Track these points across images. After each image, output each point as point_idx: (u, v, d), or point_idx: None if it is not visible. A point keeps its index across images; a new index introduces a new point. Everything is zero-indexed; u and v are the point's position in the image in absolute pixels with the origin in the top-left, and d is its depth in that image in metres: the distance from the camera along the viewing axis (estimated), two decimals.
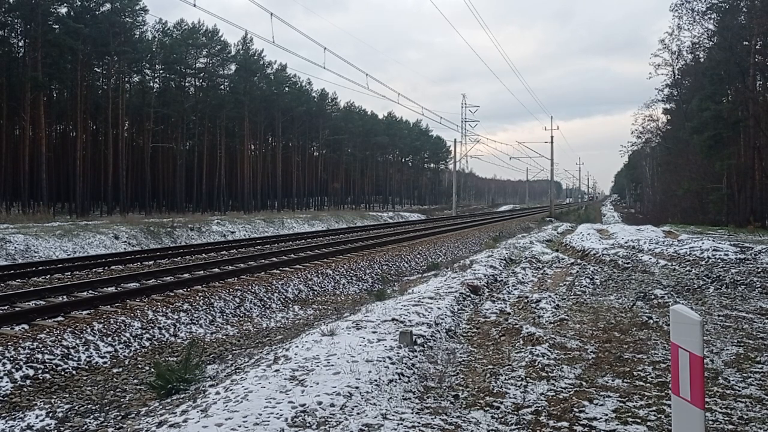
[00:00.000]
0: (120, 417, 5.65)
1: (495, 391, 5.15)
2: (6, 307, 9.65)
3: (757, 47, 32.46)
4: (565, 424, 4.35)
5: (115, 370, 7.78)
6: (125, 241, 22.06)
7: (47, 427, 5.84)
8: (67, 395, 6.81)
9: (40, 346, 7.85)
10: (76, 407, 6.40)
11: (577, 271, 13.03)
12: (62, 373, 7.46)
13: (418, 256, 20.93)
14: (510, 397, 4.98)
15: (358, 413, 4.29)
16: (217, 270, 14.32)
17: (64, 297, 10.68)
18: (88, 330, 8.68)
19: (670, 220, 39.89)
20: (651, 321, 7.92)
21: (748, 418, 4.48)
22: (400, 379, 5.25)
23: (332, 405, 4.39)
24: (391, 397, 4.76)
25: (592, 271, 12.99)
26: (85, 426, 5.70)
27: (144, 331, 9.26)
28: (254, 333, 10.12)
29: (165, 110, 55.60)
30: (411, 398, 4.85)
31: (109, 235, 21.91)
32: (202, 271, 14.10)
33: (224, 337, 9.81)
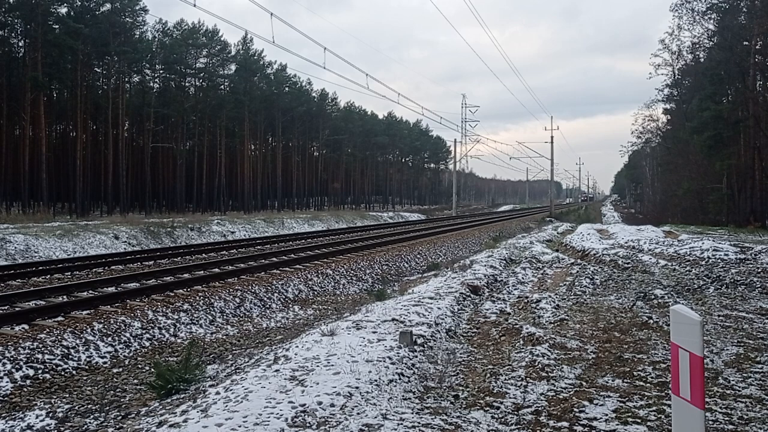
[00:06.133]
0: (120, 417, 5.64)
1: (495, 391, 5.14)
2: (6, 307, 9.65)
3: (757, 47, 32.47)
4: (565, 424, 4.35)
5: (115, 370, 7.78)
6: (125, 241, 22.06)
7: (47, 427, 5.84)
8: (67, 395, 6.81)
9: (40, 346, 7.86)
10: (76, 407, 6.40)
11: (577, 271, 13.03)
12: (62, 373, 7.46)
13: (418, 256, 20.93)
14: (510, 397, 4.97)
15: (358, 413, 4.29)
16: (217, 270, 14.32)
17: (64, 297, 10.68)
18: (88, 330, 8.68)
19: (670, 220, 39.90)
20: (651, 321, 7.91)
21: (748, 418, 4.48)
22: (400, 379, 5.25)
23: (332, 405, 4.39)
24: (391, 397, 4.76)
25: (592, 271, 12.98)
26: (85, 426, 5.70)
27: (144, 331, 9.26)
28: (254, 333, 10.12)
29: (165, 110, 55.58)
30: (411, 398, 4.85)
31: (109, 235, 21.91)
32: (202, 271, 14.10)
33: (224, 337, 9.81)
